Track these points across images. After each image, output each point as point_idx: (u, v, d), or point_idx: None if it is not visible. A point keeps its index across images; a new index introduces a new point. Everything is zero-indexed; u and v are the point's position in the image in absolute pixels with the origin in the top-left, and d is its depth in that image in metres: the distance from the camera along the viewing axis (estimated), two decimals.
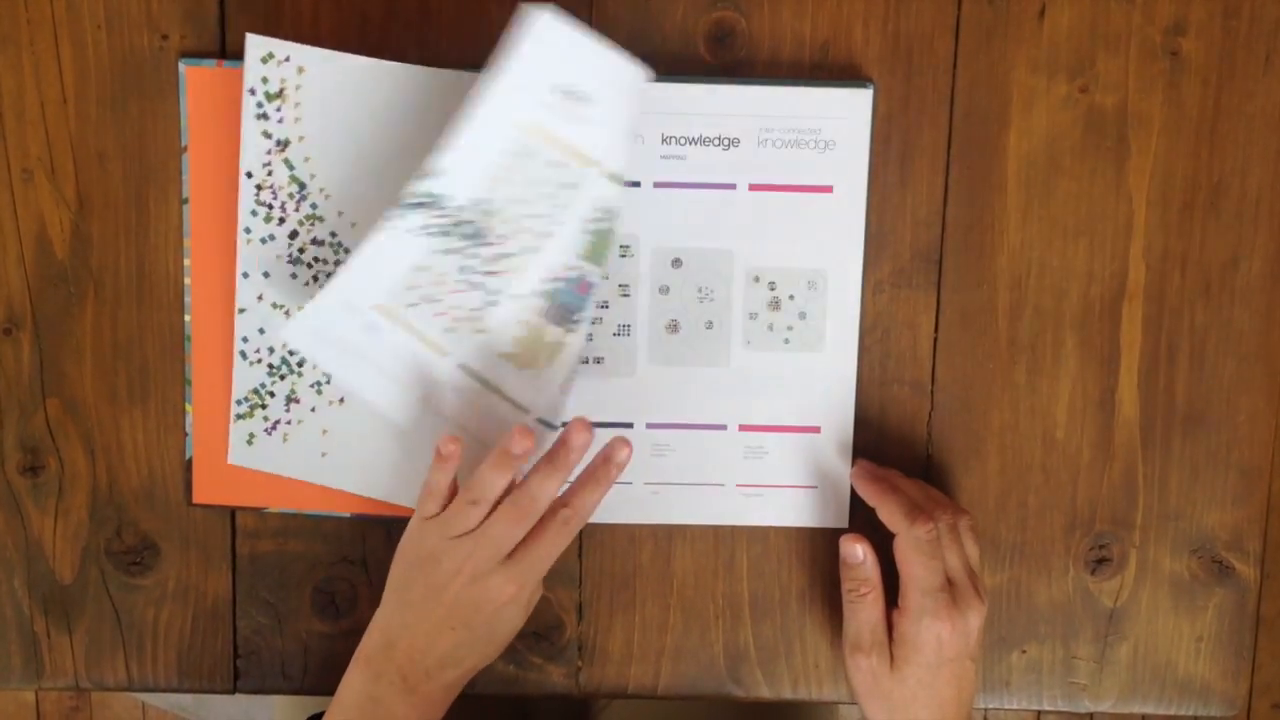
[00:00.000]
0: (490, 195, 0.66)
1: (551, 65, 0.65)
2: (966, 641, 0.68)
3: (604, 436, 0.68)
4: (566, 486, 0.67)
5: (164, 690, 0.75)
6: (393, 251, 0.67)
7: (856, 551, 0.70)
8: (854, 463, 0.73)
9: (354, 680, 0.67)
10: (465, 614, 0.65)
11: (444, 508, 0.66)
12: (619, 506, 0.73)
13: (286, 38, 0.69)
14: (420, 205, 0.66)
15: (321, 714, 0.70)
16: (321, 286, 0.67)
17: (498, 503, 0.65)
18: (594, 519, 0.73)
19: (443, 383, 0.70)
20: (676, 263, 0.72)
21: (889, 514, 0.70)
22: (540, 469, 0.65)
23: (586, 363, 0.72)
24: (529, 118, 0.65)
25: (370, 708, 0.66)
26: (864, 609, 0.69)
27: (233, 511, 0.74)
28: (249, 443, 0.72)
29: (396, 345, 0.69)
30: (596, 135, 0.66)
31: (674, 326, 0.72)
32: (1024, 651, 0.76)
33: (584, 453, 0.66)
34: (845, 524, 0.74)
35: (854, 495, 0.73)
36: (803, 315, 0.72)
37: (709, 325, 0.72)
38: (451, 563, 0.65)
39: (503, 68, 0.64)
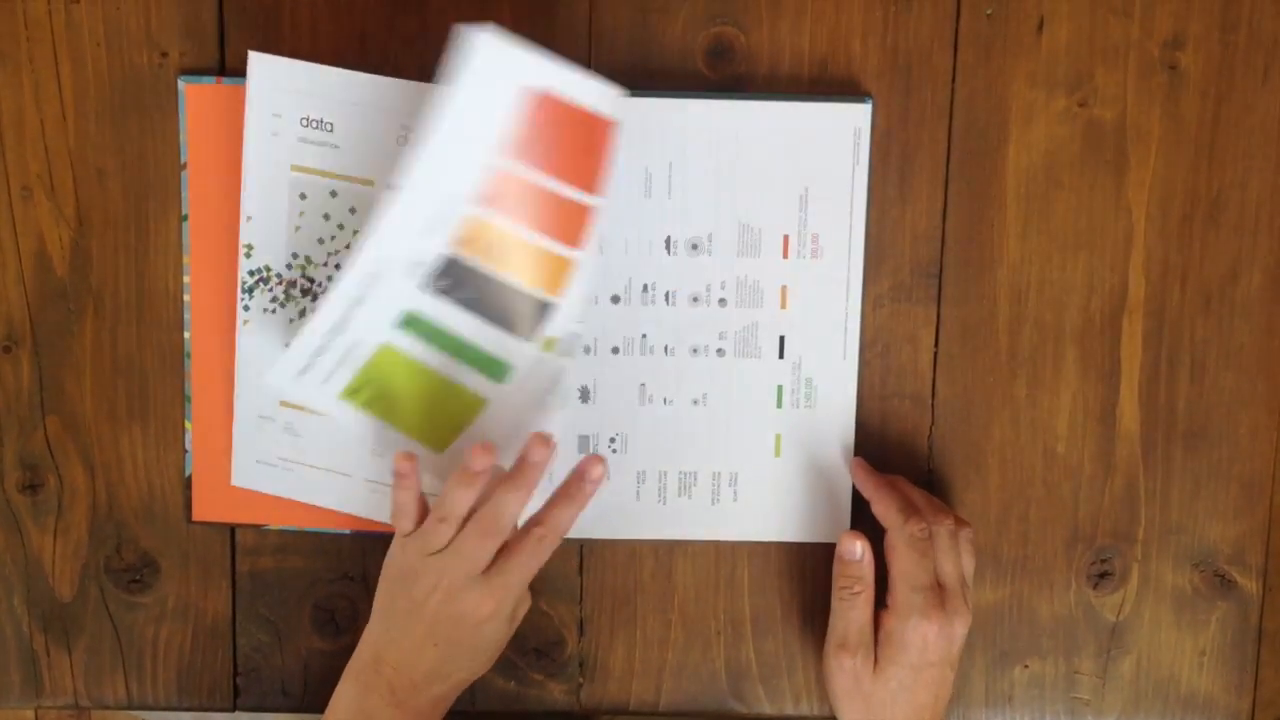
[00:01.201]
0: (298, 247, 0.69)
1: (294, 101, 0.67)
2: (950, 648, 0.68)
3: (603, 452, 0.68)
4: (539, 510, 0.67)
5: (164, 709, 0.75)
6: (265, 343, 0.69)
7: (855, 548, 0.70)
8: (854, 458, 0.73)
9: (345, 694, 0.67)
10: (446, 630, 0.65)
11: (418, 524, 0.66)
12: (617, 522, 0.73)
13: (286, 54, 0.69)
14: (256, 283, 0.69)
15: None
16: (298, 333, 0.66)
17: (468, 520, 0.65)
18: (593, 535, 0.73)
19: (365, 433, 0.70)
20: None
21: (884, 509, 0.69)
22: (502, 484, 0.65)
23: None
24: (296, 159, 0.68)
25: None
26: (854, 608, 0.69)
27: (232, 529, 0.74)
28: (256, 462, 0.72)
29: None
30: (351, 156, 0.68)
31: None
32: (1026, 666, 0.76)
33: (544, 467, 0.65)
34: None
35: (855, 510, 0.73)
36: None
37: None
38: (428, 580, 0.65)
39: (249, 120, 0.67)
